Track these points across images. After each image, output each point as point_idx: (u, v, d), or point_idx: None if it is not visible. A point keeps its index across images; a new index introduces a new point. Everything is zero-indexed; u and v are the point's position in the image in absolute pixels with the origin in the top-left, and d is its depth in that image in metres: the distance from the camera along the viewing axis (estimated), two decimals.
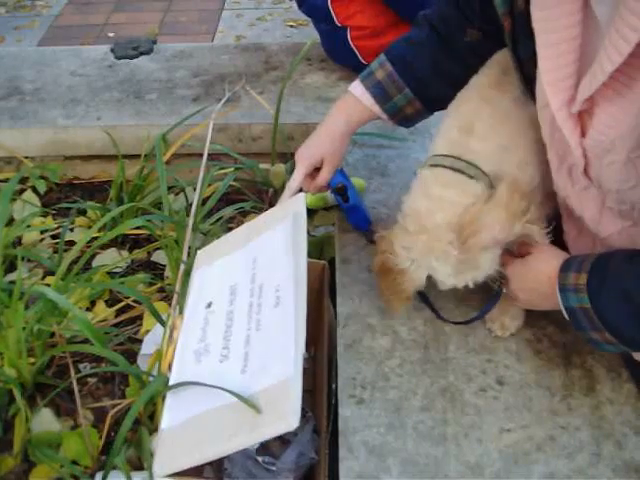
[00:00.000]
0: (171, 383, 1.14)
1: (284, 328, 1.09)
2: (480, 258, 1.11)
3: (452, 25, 1.29)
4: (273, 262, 1.23)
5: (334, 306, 1.36)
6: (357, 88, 1.38)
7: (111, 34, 4.19)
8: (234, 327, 1.18)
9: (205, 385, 1.08)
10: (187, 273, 1.42)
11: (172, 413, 1.10)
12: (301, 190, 1.41)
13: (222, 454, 1.02)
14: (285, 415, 0.96)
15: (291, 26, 4.24)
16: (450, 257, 1.11)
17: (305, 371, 1.34)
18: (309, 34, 2.32)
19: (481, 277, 1.15)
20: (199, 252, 1.44)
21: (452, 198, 1.13)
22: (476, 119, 1.18)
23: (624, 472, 1.05)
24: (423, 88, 1.33)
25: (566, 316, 1.08)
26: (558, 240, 1.22)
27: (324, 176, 1.41)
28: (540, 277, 1.13)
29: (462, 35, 1.27)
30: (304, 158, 1.39)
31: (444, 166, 1.16)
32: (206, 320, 1.23)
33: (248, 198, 1.83)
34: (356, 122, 1.40)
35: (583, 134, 1.01)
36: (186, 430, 1.06)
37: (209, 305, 1.25)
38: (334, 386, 1.21)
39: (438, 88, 1.32)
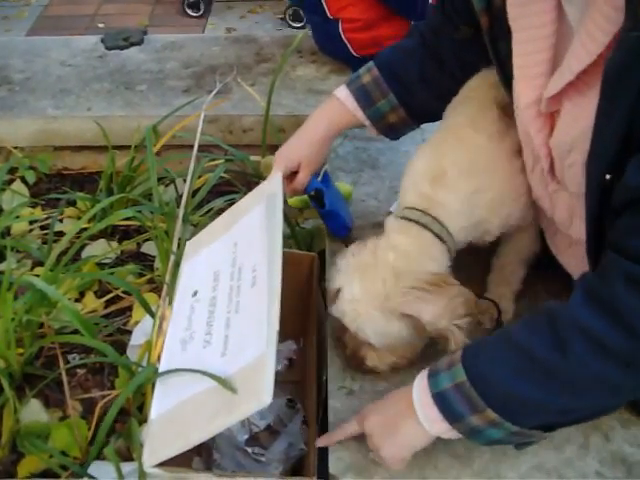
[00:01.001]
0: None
1: (259, 307, 1.09)
2: (394, 316, 1.07)
3: (439, 34, 1.27)
4: (250, 244, 1.23)
5: (324, 298, 1.36)
6: (341, 91, 1.35)
7: (101, 25, 4.16)
8: (216, 312, 1.18)
9: (186, 371, 1.08)
10: (177, 264, 1.42)
11: (160, 403, 1.10)
12: None
13: (205, 438, 1.02)
14: (258, 392, 0.96)
15: (282, 18, 4.22)
16: (378, 290, 1.07)
17: (294, 362, 1.35)
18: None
19: (376, 335, 1.10)
20: (188, 243, 1.44)
21: (408, 249, 1.10)
22: (448, 165, 1.14)
23: (611, 463, 1.06)
24: (408, 96, 1.31)
25: (427, 413, 0.95)
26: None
27: (300, 181, 1.37)
28: (392, 402, 1.03)
29: (449, 43, 1.25)
30: (281, 160, 1.36)
31: (410, 219, 1.13)
32: (192, 309, 1.23)
33: (238, 190, 1.82)
34: (338, 127, 1.37)
35: (552, 134, 1.01)
36: (173, 418, 1.06)
37: (195, 294, 1.25)
38: (324, 377, 1.21)
39: (423, 97, 1.30)
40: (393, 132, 1.38)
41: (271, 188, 1.31)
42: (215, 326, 1.15)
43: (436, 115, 1.28)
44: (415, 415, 0.97)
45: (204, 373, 1.04)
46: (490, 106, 1.18)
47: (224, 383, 1.01)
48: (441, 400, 0.94)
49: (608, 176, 0.87)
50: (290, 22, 4.02)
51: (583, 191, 0.98)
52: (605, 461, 1.07)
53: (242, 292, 1.16)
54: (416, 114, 1.34)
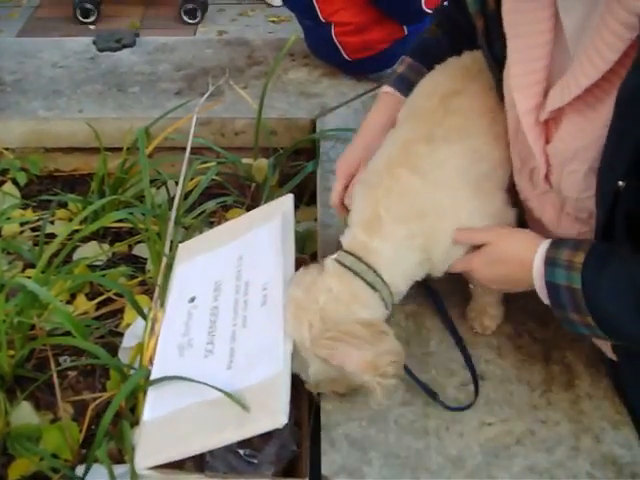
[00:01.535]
0: (153, 376, 1.14)
1: (272, 326, 1.10)
2: (316, 362, 1.05)
3: (453, 18, 1.30)
4: (260, 260, 1.24)
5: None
6: (384, 87, 1.37)
7: (92, 26, 4.16)
8: (219, 323, 1.18)
9: (191, 380, 1.08)
10: (169, 266, 1.42)
11: (154, 405, 1.10)
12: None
13: (207, 448, 1.03)
14: (274, 412, 0.98)
15: (273, 22, 4.23)
16: (301, 331, 1.05)
17: None
18: (291, 30, 2.32)
19: (302, 373, 1.10)
20: (180, 246, 1.44)
21: (340, 294, 1.07)
22: (382, 210, 1.10)
23: (602, 465, 1.07)
24: None
25: (539, 289, 1.03)
26: None
27: None
28: (511, 265, 1.07)
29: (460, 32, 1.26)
30: (342, 170, 1.33)
31: (344, 265, 1.09)
32: (189, 315, 1.23)
33: (230, 192, 1.83)
34: (392, 120, 1.32)
35: (547, 141, 1.02)
36: (170, 423, 1.06)
37: (192, 300, 1.25)
38: None
39: None
40: None
41: (284, 207, 1.32)
42: (218, 336, 1.16)
43: None
44: (532, 282, 1.04)
45: (212, 387, 1.05)
46: (430, 131, 1.14)
47: (234, 399, 1.01)
48: (552, 288, 1.01)
49: (621, 182, 0.89)
50: (185, 19, 4.06)
51: (581, 196, 0.99)
52: (596, 462, 1.07)
53: (250, 308, 1.18)
54: None
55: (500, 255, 1.09)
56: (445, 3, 1.36)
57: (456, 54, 1.27)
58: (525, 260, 1.04)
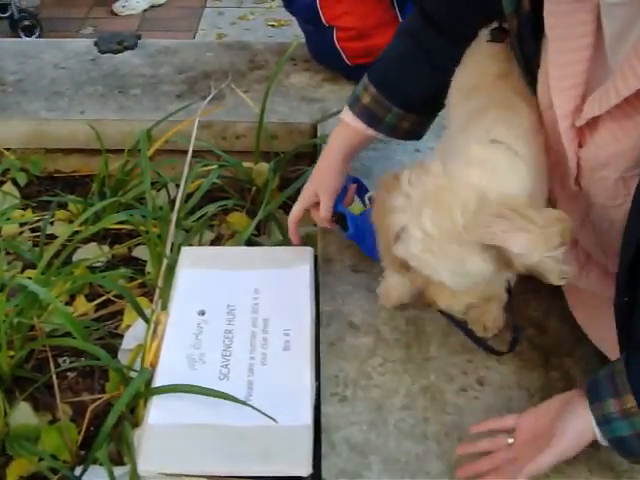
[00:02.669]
0: (159, 380, 1.15)
1: (297, 374, 1.17)
2: (475, 251, 0.92)
3: (440, 31, 1.25)
4: (282, 303, 1.30)
5: (317, 305, 1.37)
6: (347, 114, 1.35)
7: (91, 28, 4.17)
8: (234, 349, 1.23)
9: (232, 400, 1.12)
10: (170, 269, 1.42)
11: (161, 410, 1.11)
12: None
13: (228, 474, 1.06)
14: (301, 461, 1.05)
15: (272, 26, 4.24)
16: (454, 220, 0.91)
17: None
18: (291, 34, 2.32)
19: (454, 276, 0.96)
20: (183, 249, 1.44)
21: (497, 166, 0.96)
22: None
23: (600, 471, 1.07)
24: (410, 103, 1.30)
25: (604, 441, 0.99)
26: None
27: (322, 209, 1.39)
28: (575, 447, 1.02)
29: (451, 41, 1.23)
30: (302, 194, 1.40)
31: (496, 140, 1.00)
32: (199, 328, 1.26)
33: (230, 196, 1.83)
34: (350, 149, 1.37)
35: (580, 144, 1.01)
36: (180, 435, 1.08)
37: (202, 313, 1.28)
38: (317, 384, 1.22)
39: (426, 99, 1.29)
40: (414, 133, 1.37)
41: (310, 260, 1.42)
42: (233, 363, 1.20)
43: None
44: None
45: (257, 410, 1.11)
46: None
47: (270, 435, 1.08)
48: (617, 442, 0.97)
49: None
50: (22, 34, 4.04)
51: (607, 204, 1.00)
52: (594, 469, 1.08)
53: (270, 348, 1.23)
54: (425, 113, 1.33)
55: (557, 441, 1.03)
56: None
57: (421, 90, 1.27)
58: (586, 436, 1.00)
